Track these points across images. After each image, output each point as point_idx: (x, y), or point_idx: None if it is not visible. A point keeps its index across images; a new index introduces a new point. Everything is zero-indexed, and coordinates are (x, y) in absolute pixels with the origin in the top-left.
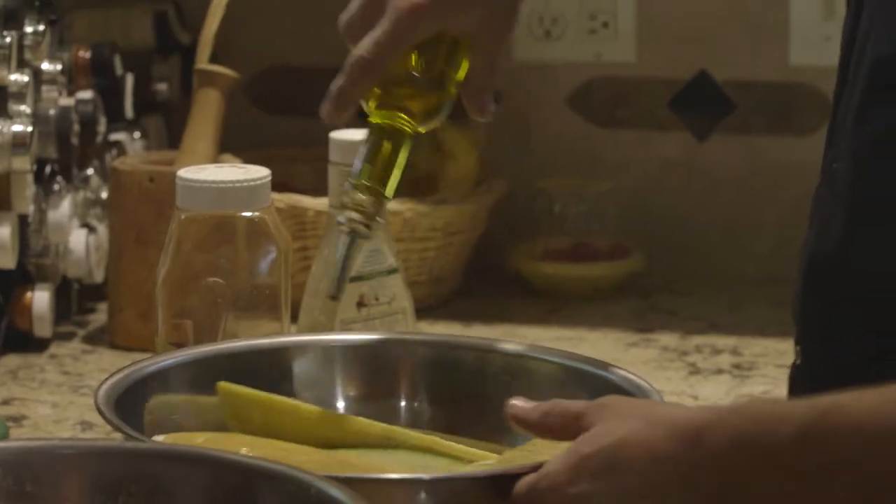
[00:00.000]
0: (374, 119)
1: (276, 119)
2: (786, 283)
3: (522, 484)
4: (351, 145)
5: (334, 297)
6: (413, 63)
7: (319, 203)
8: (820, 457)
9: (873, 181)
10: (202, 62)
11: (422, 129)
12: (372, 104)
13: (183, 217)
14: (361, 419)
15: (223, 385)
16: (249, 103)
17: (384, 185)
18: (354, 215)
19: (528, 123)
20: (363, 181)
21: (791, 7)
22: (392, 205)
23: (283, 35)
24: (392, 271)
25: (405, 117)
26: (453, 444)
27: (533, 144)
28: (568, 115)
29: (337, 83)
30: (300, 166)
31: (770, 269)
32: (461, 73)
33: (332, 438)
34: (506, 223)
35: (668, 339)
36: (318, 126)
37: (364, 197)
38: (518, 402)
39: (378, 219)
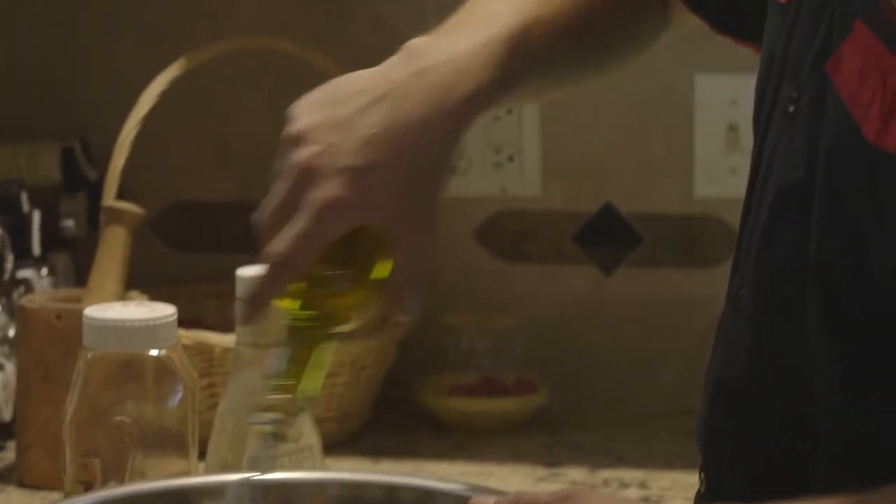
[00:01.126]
0: (294, 318)
1: (183, 255)
2: (693, 414)
3: None
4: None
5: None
6: (333, 260)
7: (227, 340)
8: None
9: (776, 308)
10: (109, 199)
11: (344, 329)
12: (291, 303)
13: (90, 356)
14: None
15: None
16: (156, 239)
17: (308, 386)
18: (274, 416)
19: (435, 257)
20: (284, 382)
21: (695, 140)
22: None
23: (190, 171)
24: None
25: (326, 317)
26: None
27: (440, 278)
28: (474, 249)
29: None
30: (208, 302)
31: (677, 402)
32: (384, 271)
33: None
34: (413, 358)
35: (577, 473)
36: (225, 262)
37: (284, 398)
38: (481, 499)
39: (295, 420)
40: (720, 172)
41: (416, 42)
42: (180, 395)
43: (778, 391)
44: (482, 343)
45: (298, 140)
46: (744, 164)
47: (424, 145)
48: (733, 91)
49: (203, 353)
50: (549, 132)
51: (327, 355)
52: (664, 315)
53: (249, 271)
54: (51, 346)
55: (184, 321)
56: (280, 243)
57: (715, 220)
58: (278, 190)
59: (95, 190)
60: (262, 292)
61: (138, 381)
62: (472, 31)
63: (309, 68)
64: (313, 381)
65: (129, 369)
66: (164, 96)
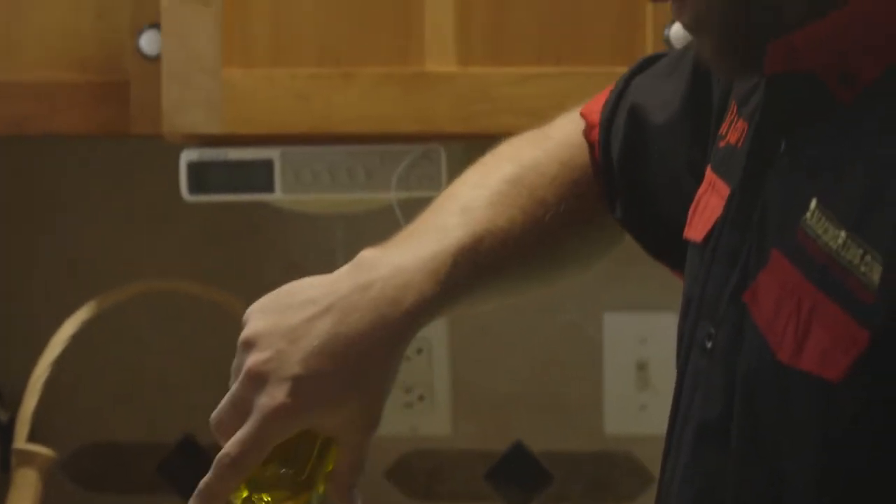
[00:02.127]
0: None
1: (94, 496)
2: None
3: None
4: None
5: None
6: (281, 461)
7: None
8: None
9: None
10: (20, 441)
11: None
12: (239, 501)
13: None
14: None
15: None
16: (68, 480)
17: None
18: None
19: None
20: None
21: (604, 377)
22: None
23: (100, 413)
24: None
25: None
26: None
27: None
28: (386, 488)
29: (204, 480)
30: None
31: None
32: (329, 468)
33: None
34: None
35: None
36: (135, 502)
37: None
38: None
39: None
40: (630, 409)
41: (367, 254)
42: None
43: None
44: None
45: (250, 345)
46: (653, 401)
47: (366, 356)
48: (642, 329)
49: None
50: (459, 371)
51: None
52: None
53: None
54: None
55: None
56: (229, 445)
57: (625, 456)
58: (231, 391)
59: (7, 432)
60: (210, 489)
61: None
62: (421, 244)
63: (218, 311)
64: None
65: None
66: (75, 339)
